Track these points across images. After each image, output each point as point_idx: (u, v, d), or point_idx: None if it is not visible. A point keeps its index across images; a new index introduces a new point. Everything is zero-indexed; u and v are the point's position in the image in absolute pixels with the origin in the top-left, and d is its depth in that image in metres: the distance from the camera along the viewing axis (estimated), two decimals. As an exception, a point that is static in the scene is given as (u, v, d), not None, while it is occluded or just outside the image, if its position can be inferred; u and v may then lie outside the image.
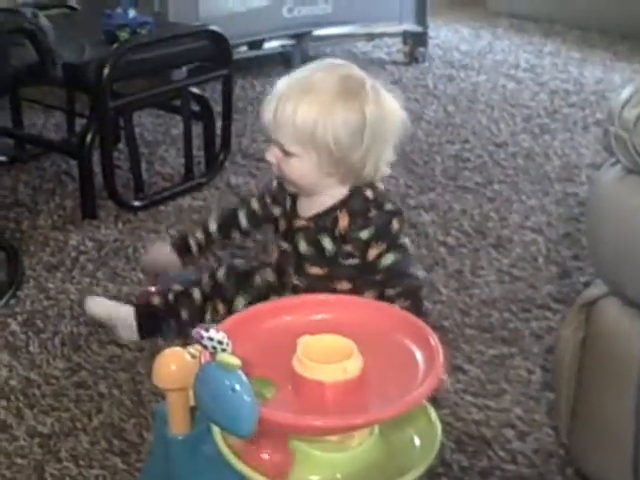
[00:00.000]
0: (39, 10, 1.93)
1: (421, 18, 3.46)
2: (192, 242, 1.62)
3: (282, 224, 1.49)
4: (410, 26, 3.46)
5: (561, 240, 2.08)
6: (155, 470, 1.16)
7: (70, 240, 2.04)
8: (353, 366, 0.97)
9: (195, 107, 2.38)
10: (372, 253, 1.40)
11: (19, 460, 1.37)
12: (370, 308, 1.11)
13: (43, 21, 1.84)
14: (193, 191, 2.31)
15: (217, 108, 2.40)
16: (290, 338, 1.01)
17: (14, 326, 1.70)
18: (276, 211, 1.51)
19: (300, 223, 1.44)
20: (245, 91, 3.08)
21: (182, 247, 1.62)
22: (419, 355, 1.00)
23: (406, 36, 3.48)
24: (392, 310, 1.09)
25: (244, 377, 0.90)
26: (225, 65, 2.32)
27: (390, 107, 1.39)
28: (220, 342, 0.91)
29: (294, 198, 1.47)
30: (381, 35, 3.58)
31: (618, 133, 1.06)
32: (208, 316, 1.55)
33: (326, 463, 0.99)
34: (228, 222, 1.59)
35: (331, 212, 1.41)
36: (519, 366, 1.61)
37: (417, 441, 1.03)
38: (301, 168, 1.37)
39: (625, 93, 1.06)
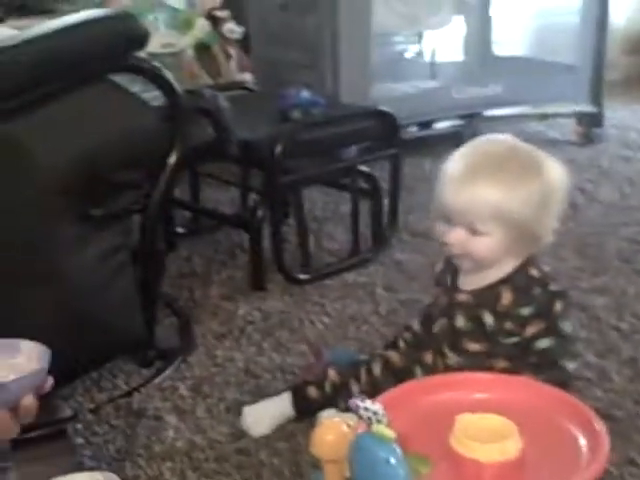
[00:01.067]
0: (219, 91, 2.04)
1: (596, 98, 3.39)
2: (400, 341, 1.61)
3: (442, 300, 1.49)
4: (584, 107, 3.40)
5: None
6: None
7: (239, 310, 2.10)
8: (512, 447, 0.94)
9: (363, 184, 2.42)
10: (530, 330, 1.38)
11: (181, 522, 1.40)
12: (533, 389, 1.07)
13: (221, 101, 1.94)
14: (359, 267, 2.33)
15: (385, 185, 2.43)
16: (449, 415, 1.00)
17: (183, 390, 1.76)
18: (438, 290, 1.52)
19: (461, 297, 1.44)
20: (414, 170, 3.09)
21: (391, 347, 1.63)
22: (582, 441, 0.96)
23: (580, 116, 3.41)
24: (556, 393, 1.05)
25: (399, 450, 0.89)
26: (394, 144, 2.35)
27: (557, 172, 1.40)
28: (376, 413, 0.90)
29: (455, 273, 1.47)
30: (554, 115, 3.54)
31: None
32: None
33: None
34: (426, 318, 1.58)
35: (494, 287, 1.40)
36: (698, 462, 1.50)
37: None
38: (489, 245, 1.37)
39: None
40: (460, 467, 0.95)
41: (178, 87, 1.75)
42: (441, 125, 3.31)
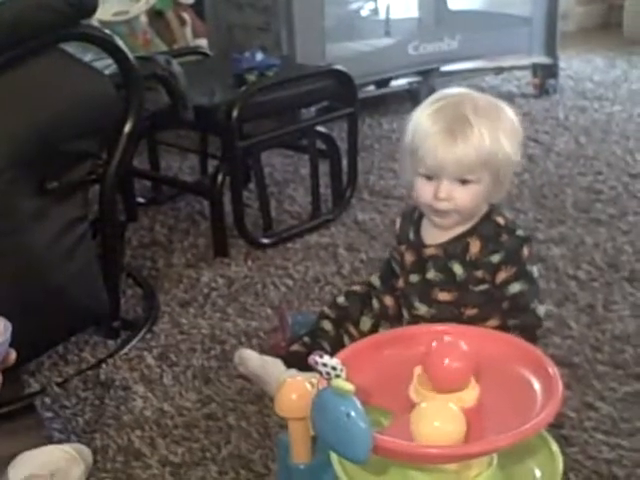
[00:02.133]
0: (173, 57, 2.02)
1: (551, 50, 3.41)
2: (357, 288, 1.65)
3: (409, 256, 1.51)
4: (540, 58, 3.42)
5: (701, 273, 1.99)
6: (280, 499, 1.18)
7: (202, 277, 2.11)
8: (469, 396, 0.96)
9: (322, 145, 2.42)
10: (500, 276, 1.41)
11: (151, 488, 1.41)
12: (488, 338, 1.09)
13: (175, 67, 1.93)
14: (320, 228, 2.34)
15: (344, 146, 2.44)
16: (408, 368, 1.02)
17: (149, 359, 1.77)
18: (402, 248, 1.54)
19: (430, 251, 1.46)
20: (372, 129, 3.11)
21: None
22: (537, 385, 0.98)
23: (536, 68, 3.44)
24: (510, 340, 1.08)
25: (359, 403, 0.90)
26: (350, 103, 2.35)
27: (513, 113, 1.43)
28: (334, 368, 0.92)
29: (417, 229, 1.49)
30: (510, 68, 3.55)
31: None
32: (347, 341, 1.57)
33: (444, 494, 0.98)
34: (387, 273, 1.61)
35: (462, 238, 1.43)
36: (655, 404, 1.54)
37: (538, 473, 1.00)
38: (477, 193, 1.39)
39: None
40: (421, 418, 0.97)
41: (130, 54, 1.73)
42: (398, 83, 3.31)
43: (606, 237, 2.20)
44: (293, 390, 1.10)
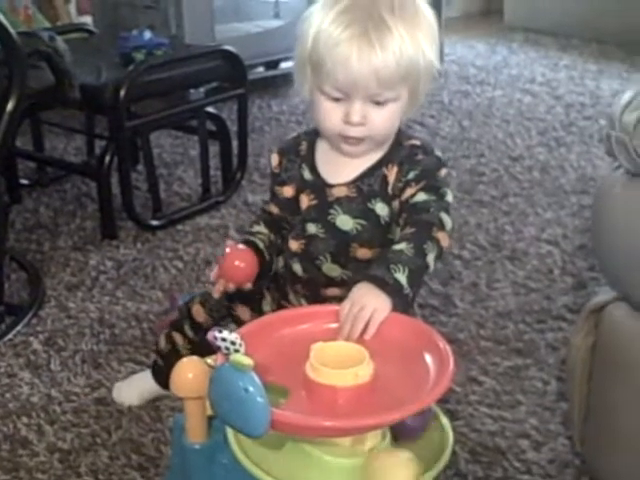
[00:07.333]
0: (57, 34, 1.96)
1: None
2: (258, 240, 1.29)
3: (305, 201, 1.26)
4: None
5: (576, 252, 2.08)
6: (174, 482, 1.18)
7: (90, 260, 2.07)
8: (364, 371, 0.98)
9: (212, 127, 2.41)
10: (407, 192, 1.19)
11: (40, 475, 1.38)
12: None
13: (60, 44, 1.87)
14: (211, 210, 2.33)
15: (234, 128, 2.43)
16: (304, 346, 1.03)
17: (36, 345, 1.73)
18: (288, 191, 1.28)
19: (338, 192, 1.22)
20: (262, 111, 3.11)
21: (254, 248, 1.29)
22: (430, 360, 1.01)
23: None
24: (403, 318, 1.10)
25: (257, 378, 0.91)
26: (240, 85, 2.35)
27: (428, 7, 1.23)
28: (233, 343, 0.92)
29: (311, 166, 1.26)
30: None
31: (619, 137, 1.07)
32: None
33: (338, 468, 1.00)
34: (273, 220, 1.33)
35: (377, 169, 1.22)
36: (534, 377, 1.61)
37: (429, 447, 1.03)
38: (394, 114, 1.17)
39: (625, 97, 1.07)
40: (316, 393, 0.98)
41: (11, 29, 1.68)
42: (287, 65, 3.31)
43: (488, 218, 2.28)
44: (189, 370, 1.10)
